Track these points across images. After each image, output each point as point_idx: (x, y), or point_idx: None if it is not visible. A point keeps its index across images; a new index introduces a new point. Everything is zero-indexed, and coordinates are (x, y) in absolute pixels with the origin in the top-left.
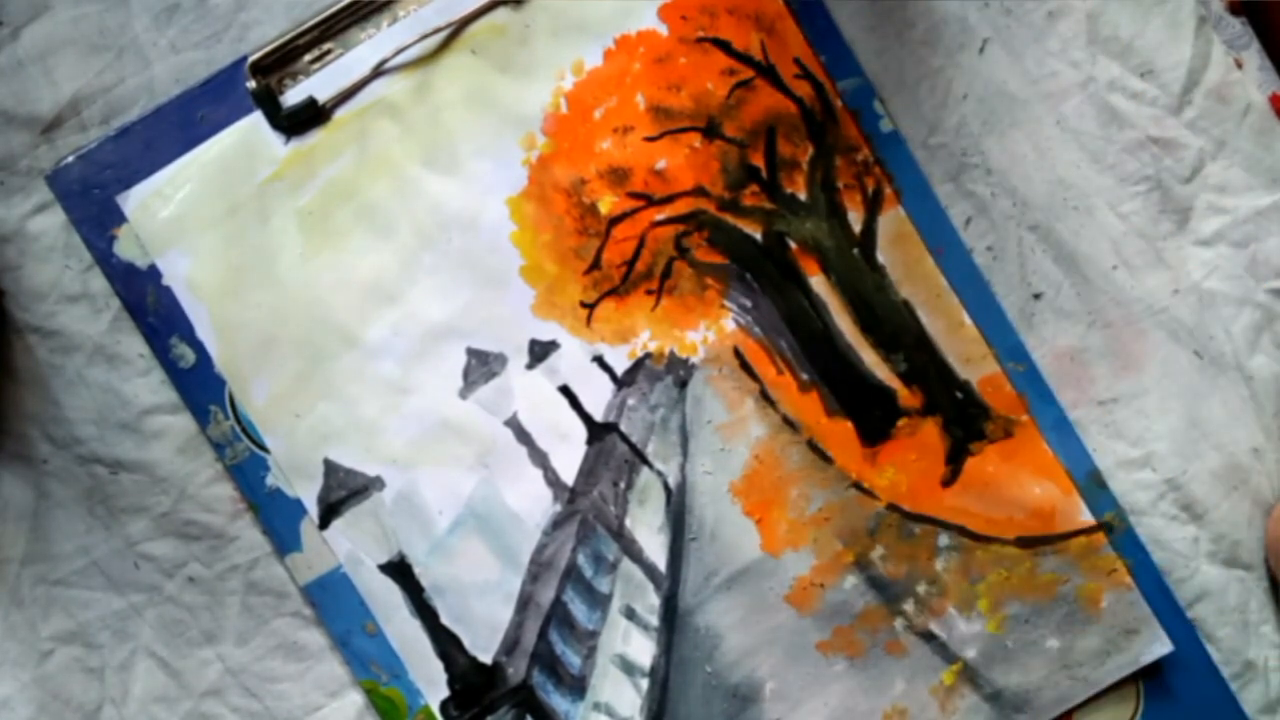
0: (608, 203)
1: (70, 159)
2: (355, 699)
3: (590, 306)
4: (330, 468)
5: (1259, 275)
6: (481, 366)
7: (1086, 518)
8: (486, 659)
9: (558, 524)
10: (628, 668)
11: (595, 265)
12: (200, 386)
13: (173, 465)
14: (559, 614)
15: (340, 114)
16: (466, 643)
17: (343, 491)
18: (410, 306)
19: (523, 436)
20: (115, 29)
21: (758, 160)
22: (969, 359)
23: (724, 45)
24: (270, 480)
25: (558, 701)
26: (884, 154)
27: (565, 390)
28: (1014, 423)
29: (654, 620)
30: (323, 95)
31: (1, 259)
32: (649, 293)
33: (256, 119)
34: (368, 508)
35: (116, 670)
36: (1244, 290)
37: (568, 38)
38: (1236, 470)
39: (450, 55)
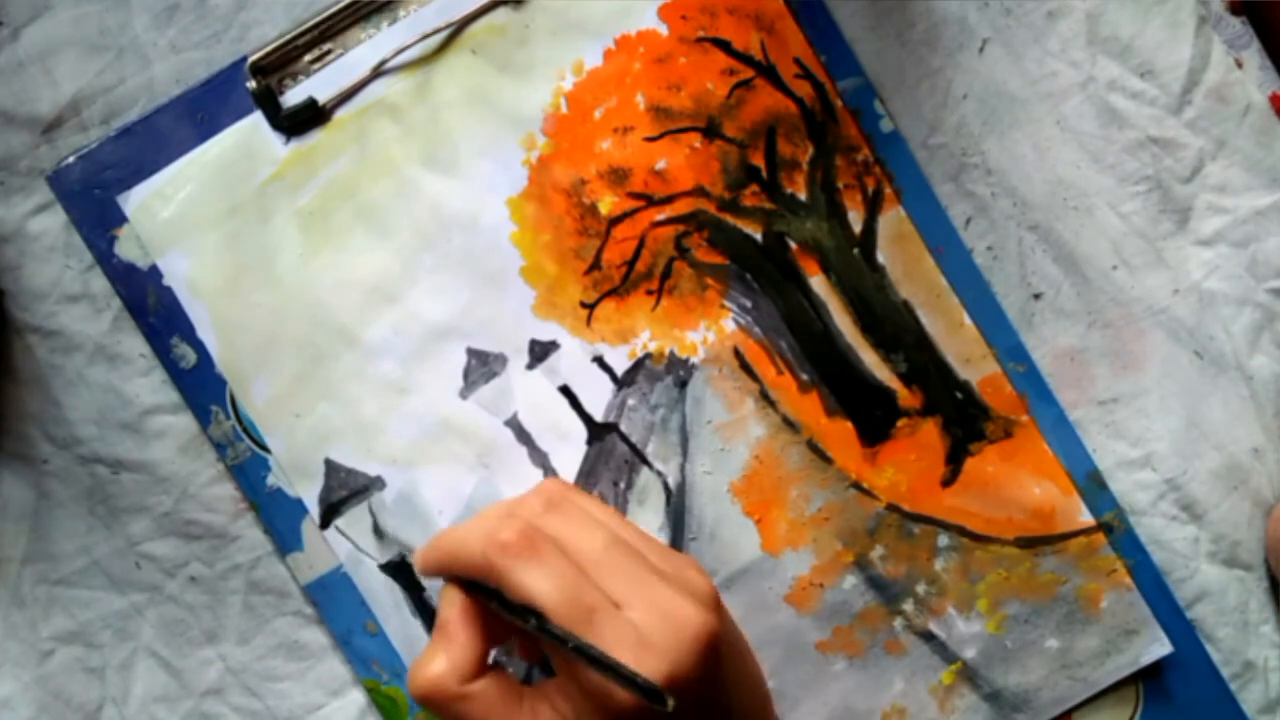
0: (608, 203)
1: (70, 159)
2: (357, 698)
3: (590, 307)
4: (331, 468)
5: (1259, 275)
6: (481, 366)
7: (1086, 518)
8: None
9: None
10: None
11: (595, 265)
12: (201, 386)
13: (174, 465)
14: None
15: (340, 114)
16: None
17: (343, 491)
18: (410, 306)
19: (523, 436)
20: (115, 29)
21: (758, 160)
22: (969, 359)
23: (724, 45)
24: (271, 480)
25: None
26: (884, 154)
27: (565, 390)
28: (1014, 423)
29: None
30: (323, 95)
31: (1, 259)
32: (649, 293)
33: (256, 119)
34: (368, 508)
35: (117, 670)
36: (1244, 290)
37: (568, 38)
38: (1236, 470)
39: (450, 55)
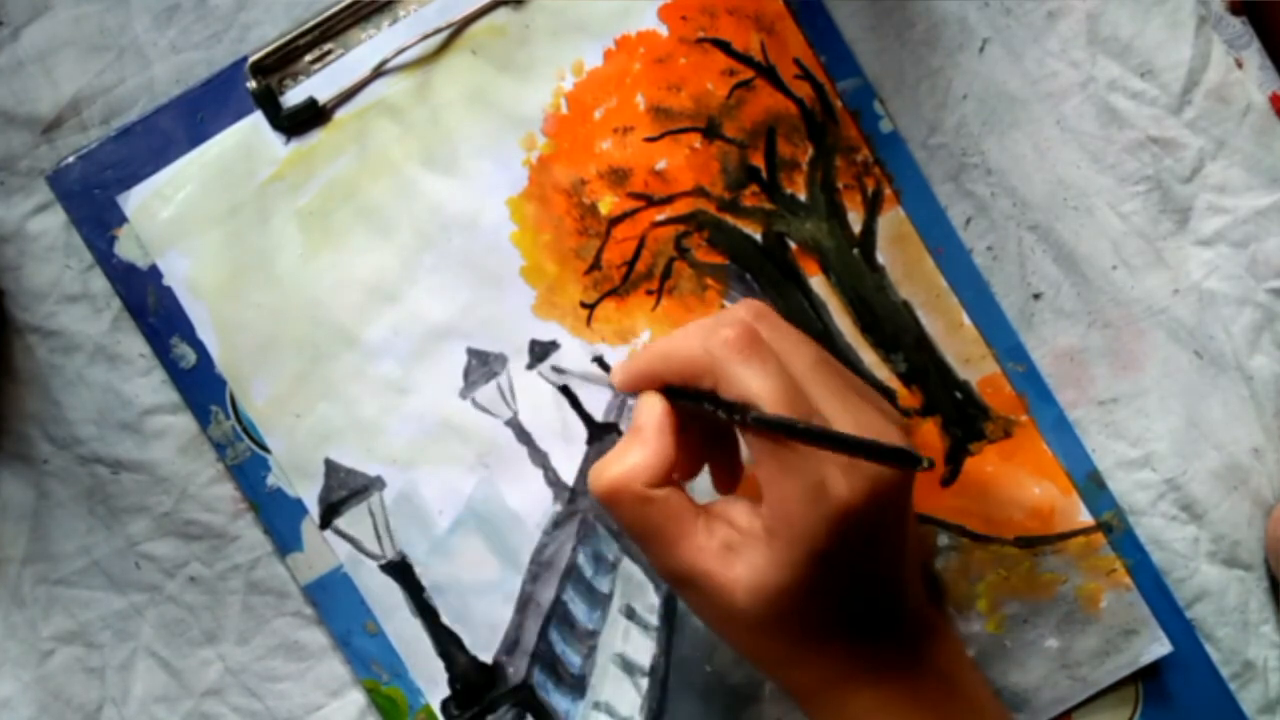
0: (608, 203)
1: (70, 159)
2: (356, 698)
3: (590, 307)
4: (331, 468)
5: (1259, 275)
6: (481, 366)
7: (1086, 518)
8: (487, 658)
9: (558, 524)
10: (628, 667)
11: (595, 265)
12: (201, 386)
13: (173, 465)
14: (559, 613)
15: (340, 114)
16: (467, 642)
17: (343, 491)
18: (410, 306)
19: (523, 436)
20: (115, 29)
21: (758, 160)
22: (969, 359)
23: (724, 45)
24: (271, 480)
25: (558, 701)
26: (884, 154)
27: (565, 390)
28: (1013, 423)
29: (654, 620)
30: (323, 95)
31: (1, 259)
32: (649, 293)
33: (256, 119)
34: (368, 508)
35: (117, 670)
36: (1244, 290)
37: (568, 38)
38: (1236, 470)
39: (450, 55)
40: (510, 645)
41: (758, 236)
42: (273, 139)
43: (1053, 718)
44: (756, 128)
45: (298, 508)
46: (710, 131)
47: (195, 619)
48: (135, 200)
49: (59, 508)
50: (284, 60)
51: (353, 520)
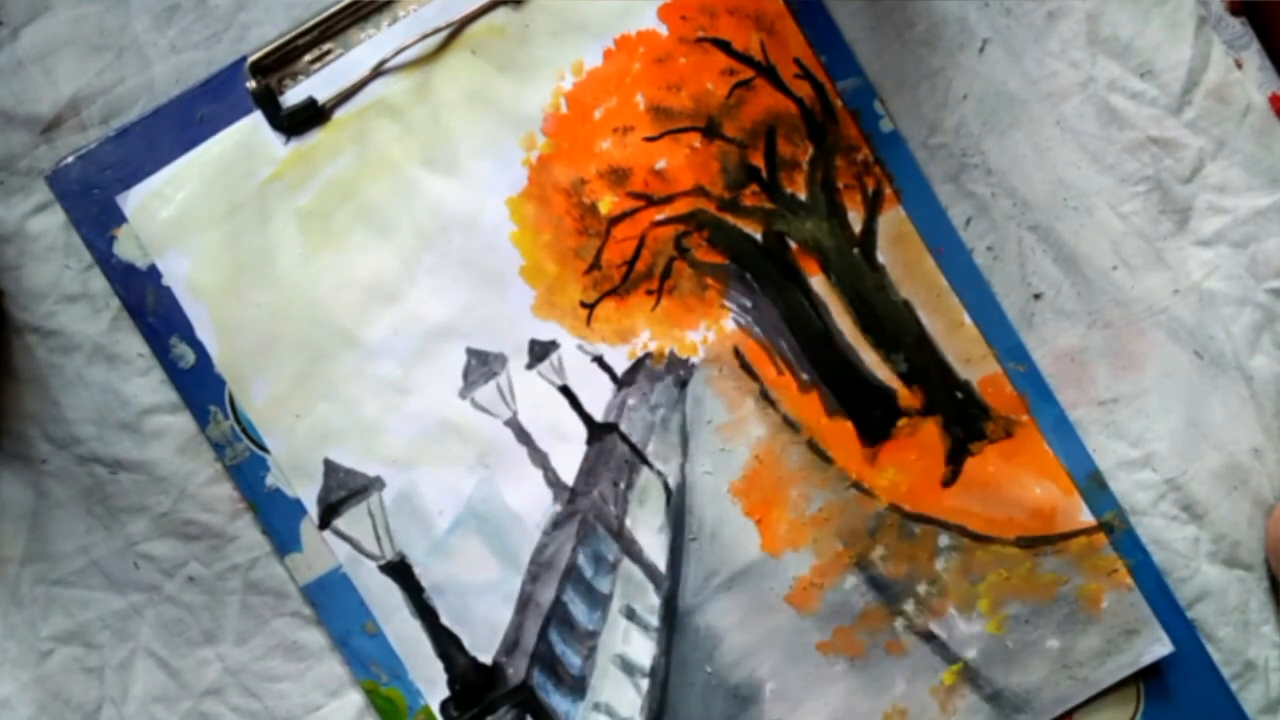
0: (608, 203)
1: (70, 159)
2: (355, 699)
3: (590, 306)
4: (330, 468)
5: (1259, 275)
6: (481, 366)
7: (1087, 518)
8: (486, 659)
9: (558, 524)
10: (628, 668)
11: (595, 265)
12: (200, 386)
13: (172, 465)
14: (559, 614)
15: (340, 114)
16: (466, 643)
17: (343, 491)
18: (410, 306)
19: (523, 436)
20: (115, 29)
21: (758, 160)
22: (969, 359)
23: (724, 45)
24: (270, 480)
25: (558, 702)
26: (884, 154)
27: (565, 390)
28: (1014, 423)
29: (654, 620)
30: (323, 95)
31: (1, 259)
32: (649, 293)
33: (256, 119)
34: (367, 508)
35: (116, 670)
36: (1244, 290)
37: (568, 38)
38: (1236, 470)
39: (450, 55)
40: (510, 646)
41: (758, 236)
42: (272, 139)
43: (1054, 718)
44: (756, 127)
45: (297, 508)
46: (710, 131)
47: (194, 619)
48: (135, 200)
49: (58, 507)
50: (283, 60)
51: (352, 520)
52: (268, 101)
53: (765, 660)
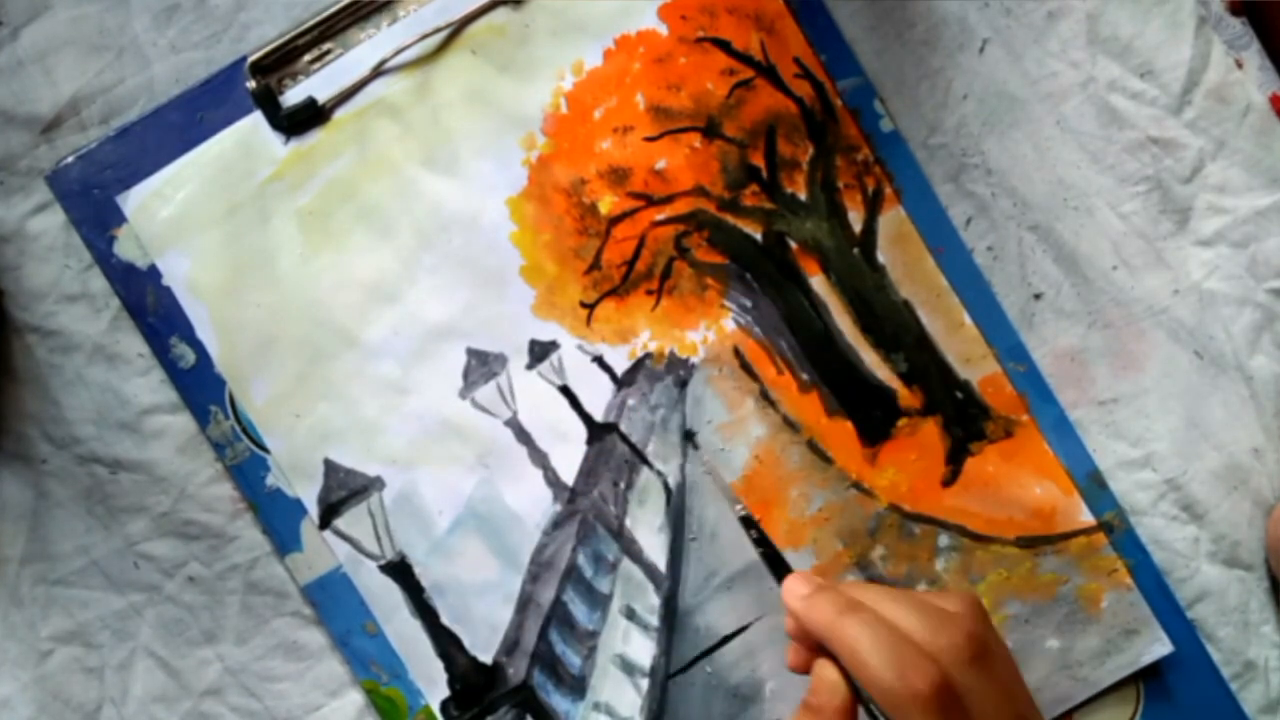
0: (608, 203)
1: (70, 159)
2: (355, 699)
3: (590, 306)
4: (330, 468)
5: (1259, 275)
6: (481, 366)
7: (1087, 518)
8: (487, 659)
9: (558, 524)
10: (628, 668)
11: (595, 265)
12: (200, 386)
13: (172, 465)
14: (559, 614)
15: (340, 114)
16: (466, 643)
17: (343, 491)
18: (410, 306)
19: (523, 436)
20: (115, 29)
21: (758, 160)
22: (969, 359)
23: (724, 45)
24: (270, 480)
25: (558, 701)
26: (884, 154)
27: (565, 390)
28: (1014, 423)
29: (654, 620)
30: (323, 95)
31: (1, 259)
32: (649, 293)
33: (256, 119)
34: (367, 508)
35: (116, 670)
36: (1244, 290)
37: (568, 38)
38: (1236, 470)
39: (450, 55)
40: (510, 646)
41: (758, 236)
42: (272, 139)
43: (1054, 718)
44: (756, 127)
45: (297, 508)
46: (710, 131)
47: (194, 619)
48: (135, 200)
49: (58, 507)
50: (283, 60)
51: (352, 520)
52: (268, 101)
53: (765, 660)
